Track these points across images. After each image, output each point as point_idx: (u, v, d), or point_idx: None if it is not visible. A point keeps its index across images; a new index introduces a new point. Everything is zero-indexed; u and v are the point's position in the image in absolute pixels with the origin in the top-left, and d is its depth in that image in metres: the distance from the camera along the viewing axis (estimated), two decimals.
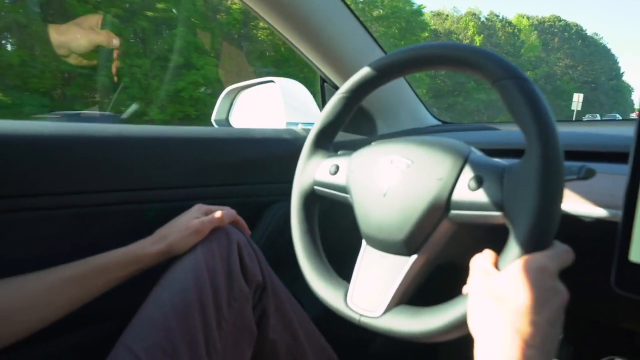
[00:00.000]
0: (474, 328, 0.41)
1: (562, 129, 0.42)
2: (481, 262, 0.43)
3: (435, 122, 1.18)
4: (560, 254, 0.40)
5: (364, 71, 0.59)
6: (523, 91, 0.43)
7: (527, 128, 0.42)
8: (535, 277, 0.38)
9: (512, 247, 0.41)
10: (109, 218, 0.70)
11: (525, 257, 0.40)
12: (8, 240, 0.61)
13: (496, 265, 0.42)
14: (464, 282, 0.46)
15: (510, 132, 0.89)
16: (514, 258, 0.40)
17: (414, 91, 1.11)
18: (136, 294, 0.62)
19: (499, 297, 0.38)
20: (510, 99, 0.44)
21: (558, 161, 0.40)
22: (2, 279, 0.56)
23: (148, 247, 0.64)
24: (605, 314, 0.75)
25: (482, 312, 0.40)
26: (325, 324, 0.81)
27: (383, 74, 0.58)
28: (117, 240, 0.65)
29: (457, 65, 0.49)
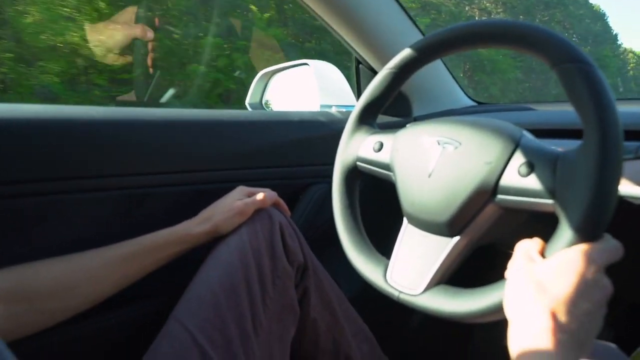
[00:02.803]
0: (509, 310, 0.40)
1: (622, 106, 0.40)
2: (527, 247, 0.43)
3: (470, 102, 1.16)
4: (609, 249, 0.39)
5: (414, 47, 0.57)
6: (587, 78, 0.41)
7: (588, 116, 0.40)
8: (580, 269, 0.37)
9: (561, 236, 0.40)
10: (155, 199, 0.72)
11: (573, 247, 0.39)
12: (65, 220, 0.64)
13: (542, 253, 0.41)
14: (504, 266, 0.45)
15: (554, 112, 0.86)
16: (562, 247, 0.39)
17: (449, 71, 1.09)
18: (183, 273, 0.65)
19: (540, 283, 0.38)
20: (572, 85, 0.41)
21: (618, 155, 0.38)
22: (64, 256, 0.59)
23: (194, 227, 0.67)
24: None
25: (520, 296, 0.39)
26: (361, 304, 0.83)
27: (435, 50, 0.56)
28: (162, 220, 0.68)
29: (516, 44, 0.47)
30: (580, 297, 0.36)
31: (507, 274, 0.45)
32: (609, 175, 0.38)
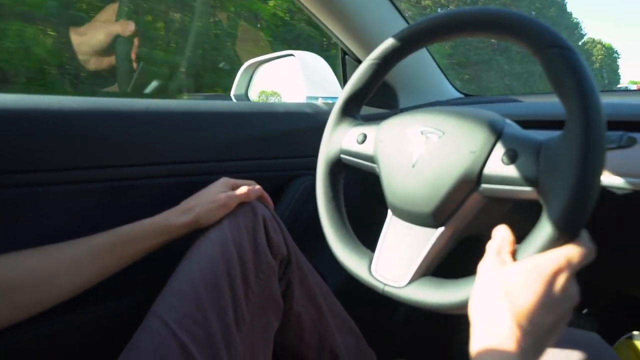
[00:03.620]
0: (474, 311, 0.40)
1: (606, 98, 0.40)
2: (498, 247, 0.42)
3: (457, 94, 1.15)
4: (582, 254, 0.38)
5: (396, 37, 0.56)
6: (568, 62, 0.40)
7: (570, 102, 0.40)
8: (550, 281, 0.36)
9: (536, 237, 0.39)
10: (137, 191, 0.71)
11: (546, 255, 0.38)
12: (45, 212, 0.62)
13: (513, 254, 0.41)
14: None
15: (538, 104, 0.86)
16: (535, 251, 0.39)
17: (436, 63, 1.09)
18: (164, 267, 0.63)
19: (508, 291, 0.37)
20: (553, 70, 0.41)
21: (601, 138, 0.38)
22: (41, 247, 0.58)
23: (175, 218, 0.65)
24: (635, 287, 0.74)
25: (487, 300, 0.39)
26: (346, 297, 0.82)
27: (416, 40, 0.55)
28: (145, 212, 0.66)
29: (497, 31, 0.47)
30: (545, 310, 0.36)
31: (478, 269, 0.44)
32: (591, 167, 0.38)
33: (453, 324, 1.14)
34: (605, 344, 0.55)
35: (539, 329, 0.36)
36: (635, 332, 0.86)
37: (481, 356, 0.36)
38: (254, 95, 1.25)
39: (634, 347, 0.84)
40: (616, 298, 0.97)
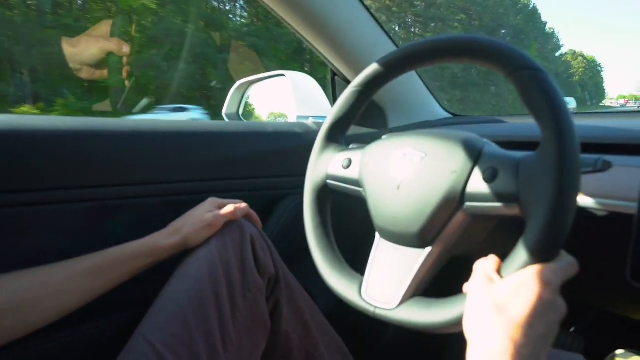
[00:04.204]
0: (468, 330, 0.41)
1: (577, 121, 0.42)
2: (484, 267, 0.43)
3: (446, 115, 1.18)
4: (565, 267, 0.40)
5: (376, 65, 0.59)
6: (539, 83, 0.43)
7: (543, 120, 0.42)
8: (538, 292, 0.38)
9: (518, 255, 0.41)
10: (123, 211, 0.71)
11: (530, 268, 0.39)
12: (29, 233, 0.62)
13: (499, 272, 0.42)
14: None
15: (522, 124, 0.88)
16: (518, 267, 0.40)
17: (424, 84, 1.11)
18: (151, 287, 0.63)
19: (499, 306, 0.38)
20: (526, 91, 0.43)
21: (575, 153, 0.40)
22: (26, 270, 0.57)
23: (162, 239, 0.65)
24: (618, 305, 0.75)
25: (479, 318, 0.40)
26: (336, 316, 0.82)
27: (395, 67, 0.58)
28: (133, 233, 0.66)
29: (471, 57, 0.49)
30: (536, 320, 0.37)
31: (465, 289, 0.45)
32: (568, 175, 0.39)
33: (441, 343, 1.14)
34: None
35: (533, 341, 0.36)
36: (618, 351, 0.86)
37: None
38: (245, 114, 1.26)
39: None
40: (602, 315, 0.97)
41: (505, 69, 0.46)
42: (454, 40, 0.51)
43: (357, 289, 0.55)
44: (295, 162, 0.90)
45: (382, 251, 0.55)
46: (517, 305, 0.37)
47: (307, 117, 1.05)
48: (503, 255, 0.45)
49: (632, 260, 0.47)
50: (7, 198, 0.60)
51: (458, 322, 0.44)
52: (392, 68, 0.58)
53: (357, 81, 0.61)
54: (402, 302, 0.50)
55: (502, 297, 0.39)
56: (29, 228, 0.62)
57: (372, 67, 0.59)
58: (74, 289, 0.59)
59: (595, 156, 0.45)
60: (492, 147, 0.50)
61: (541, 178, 0.41)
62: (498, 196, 0.45)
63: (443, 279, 0.55)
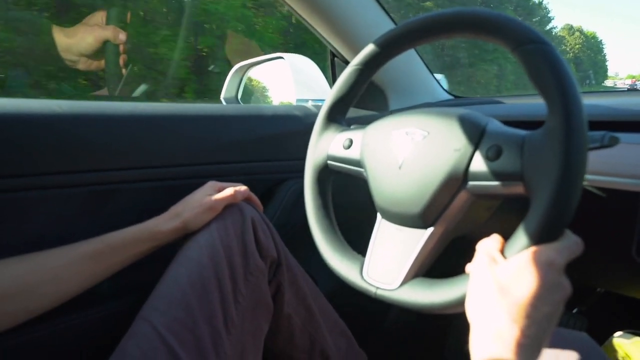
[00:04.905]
0: (471, 311, 0.40)
1: (587, 99, 0.40)
2: (488, 246, 0.43)
3: (447, 96, 1.16)
4: (570, 246, 0.39)
5: (377, 42, 0.57)
6: (546, 57, 0.41)
7: (550, 95, 0.40)
8: (541, 272, 0.37)
9: (522, 235, 0.40)
10: (123, 196, 0.70)
11: (534, 249, 0.38)
12: (28, 218, 0.61)
13: (503, 252, 0.41)
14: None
15: (525, 104, 0.87)
16: (522, 247, 0.39)
17: (425, 65, 1.09)
18: (151, 271, 0.63)
19: (502, 287, 0.38)
20: (532, 65, 0.42)
21: (582, 129, 0.39)
22: (26, 254, 0.57)
23: (163, 224, 0.65)
24: (623, 285, 0.75)
25: (482, 299, 0.39)
26: (338, 299, 0.82)
27: (396, 44, 0.56)
28: (132, 217, 0.66)
29: (475, 31, 0.48)
30: (540, 301, 0.36)
31: (468, 269, 0.44)
32: (575, 151, 0.38)
33: (443, 325, 1.14)
34: (594, 344, 0.55)
35: (537, 322, 0.36)
36: (620, 333, 0.87)
37: (483, 354, 0.37)
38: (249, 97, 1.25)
39: (622, 346, 0.85)
40: (605, 296, 0.97)
41: (509, 43, 0.44)
42: (455, 15, 0.49)
43: (358, 270, 0.54)
44: (295, 146, 0.89)
45: (383, 232, 0.55)
46: (520, 286, 0.37)
47: (307, 100, 1.04)
48: (506, 236, 0.45)
49: (638, 237, 0.46)
50: (4, 183, 0.59)
51: (460, 303, 0.43)
52: (393, 45, 0.56)
53: (357, 59, 0.60)
54: (404, 282, 0.50)
55: (505, 278, 0.38)
56: (27, 213, 0.61)
57: (373, 45, 0.58)
58: (74, 275, 0.59)
59: (602, 132, 0.44)
60: (495, 125, 0.48)
61: (547, 155, 0.39)
62: (502, 174, 0.44)
63: (445, 260, 0.54)
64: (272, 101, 1.21)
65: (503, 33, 0.45)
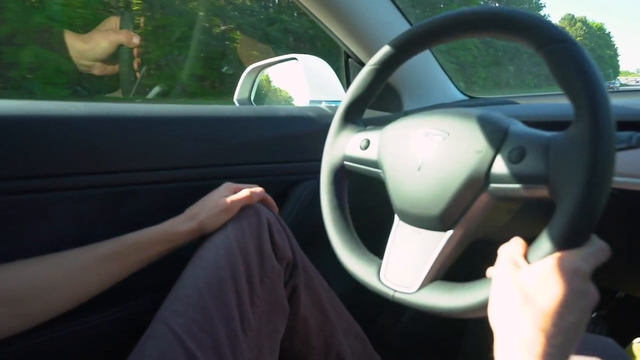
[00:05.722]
0: (495, 319, 0.39)
1: (613, 99, 0.39)
2: (510, 251, 0.41)
3: (462, 97, 1.15)
4: (596, 253, 0.38)
5: (396, 41, 0.56)
6: (572, 56, 0.40)
7: (577, 96, 0.39)
8: (567, 279, 0.36)
9: (547, 240, 0.38)
10: (139, 197, 0.71)
11: (559, 255, 0.37)
12: (46, 219, 0.62)
13: (526, 257, 0.40)
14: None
15: (546, 104, 0.86)
16: (547, 252, 0.38)
17: (440, 65, 1.08)
18: (168, 272, 0.63)
19: (525, 293, 0.37)
20: (558, 65, 0.41)
21: (611, 131, 0.37)
22: (45, 256, 0.57)
23: (179, 225, 0.65)
24: None
25: (506, 306, 0.38)
26: (352, 302, 0.81)
27: (416, 44, 0.55)
28: (148, 218, 0.66)
29: (498, 30, 0.47)
30: (566, 309, 0.35)
31: (490, 274, 0.43)
32: (603, 154, 0.37)
33: (458, 329, 1.13)
34: (620, 349, 0.54)
35: (563, 331, 0.35)
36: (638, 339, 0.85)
37: None
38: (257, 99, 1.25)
39: None
40: (625, 300, 0.95)
41: (534, 42, 0.43)
42: (477, 14, 0.48)
43: (375, 273, 0.54)
44: (309, 147, 0.89)
45: (401, 234, 0.54)
46: (546, 295, 0.36)
47: (320, 102, 1.03)
48: (526, 238, 0.44)
49: None
50: (24, 184, 0.60)
51: (482, 308, 0.42)
52: (412, 44, 0.56)
53: (375, 59, 0.59)
54: (423, 286, 0.49)
55: (530, 285, 0.37)
56: (45, 214, 0.62)
57: (391, 44, 0.57)
58: (91, 275, 0.59)
59: (629, 132, 0.42)
60: (518, 126, 0.47)
61: (573, 158, 0.38)
62: (526, 177, 0.43)
63: (461, 262, 0.53)
64: (286, 102, 1.21)
65: (527, 32, 0.44)
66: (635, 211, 0.53)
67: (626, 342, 0.85)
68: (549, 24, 0.43)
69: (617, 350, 0.54)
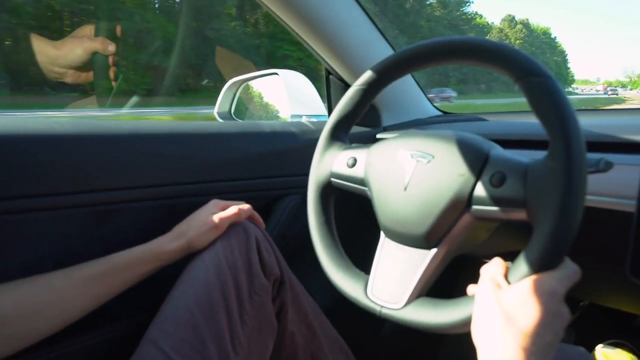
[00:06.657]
0: (477, 335, 0.42)
1: (581, 118, 0.43)
2: (492, 271, 0.44)
3: (436, 112, 1.19)
4: (569, 276, 0.42)
5: (384, 63, 0.59)
6: (547, 90, 0.44)
7: (552, 127, 0.43)
8: (544, 301, 0.39)
9: (525, 262, 0.42)
10: (124, 215, 0.70)
11: (537, 277, 0.41)
12: (28, 240, 0.61)
13: (506, 277, 0.43)
14: (478, 274, 0.47)
15: (516, 122, 0.90)
16: (526, 273, 0.41)
17: (417, 83, 1.12)
18: (156, 291, 0.63)
19: (508, 315, 0.40)
20: (534, 97, 0.44)
21: (582, 163, 0.41)
22: (29, 278, 0.56)
23: (167, 243, 0.65)
24: (613, 300, 0.78)
25: (489, 324, 0.41)
26: (335, 316, 0.83)
27: (403, 66, 0.58)
28: (133, 237, 0.65)
29: (480, 59, 0.50)
30: (544, 329, 0.39)
31: (471, 291, 0.46)
32: (575, 194, 0.40)
33: (436, 340, 1.16)
34: (591, 357, 0.58)
35: (541, 349, 0.38)
36: (602, 344, 0.91)
37: None
38: (241, 113, 1.26)
39: (609, 357, 0.88)
40: (589, 308, 1.01)
41: (514, 74, 0.47)
42: (465, 43, 0.51)
43: (362, 289, 0.55)
44: (293, 162, 0.90)
45: (387, 251, 0.56)
46: (525, 315, 0.39)
47: (301, 116, 1.05)
48: (503, 254, 0.46)
49: (632, 257, 0.49)
50: (5, 205, 0.58)
51: (465, 324, 0.45)
52: (400, 67, 0.58)
53: (362, 80, 0.61)
54: (409, 302, 0.51)
55: (510, 306, 0.40)
56: (28, 235, 0.61)
57: (379, 66, 0.59)
58: (78, 296, 0.58)
59: (597, 156, 0.46)
60: (498, 151, 0.51)
61: (549, 186, 0.42)
62: (506, 201, 0.46)
63: (442, 277, 0.56)
64: (267, 116, 1.22)
65: (508, 64, 0.47)
66: (595, 226, 0.57)
67: (591, 348, 0.90)
68: (529, 58, 0.46)
69: (588, 358, 0.57)
